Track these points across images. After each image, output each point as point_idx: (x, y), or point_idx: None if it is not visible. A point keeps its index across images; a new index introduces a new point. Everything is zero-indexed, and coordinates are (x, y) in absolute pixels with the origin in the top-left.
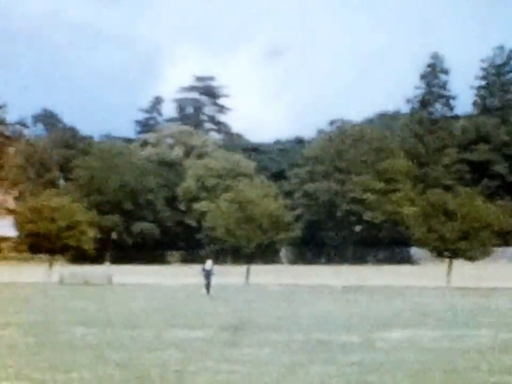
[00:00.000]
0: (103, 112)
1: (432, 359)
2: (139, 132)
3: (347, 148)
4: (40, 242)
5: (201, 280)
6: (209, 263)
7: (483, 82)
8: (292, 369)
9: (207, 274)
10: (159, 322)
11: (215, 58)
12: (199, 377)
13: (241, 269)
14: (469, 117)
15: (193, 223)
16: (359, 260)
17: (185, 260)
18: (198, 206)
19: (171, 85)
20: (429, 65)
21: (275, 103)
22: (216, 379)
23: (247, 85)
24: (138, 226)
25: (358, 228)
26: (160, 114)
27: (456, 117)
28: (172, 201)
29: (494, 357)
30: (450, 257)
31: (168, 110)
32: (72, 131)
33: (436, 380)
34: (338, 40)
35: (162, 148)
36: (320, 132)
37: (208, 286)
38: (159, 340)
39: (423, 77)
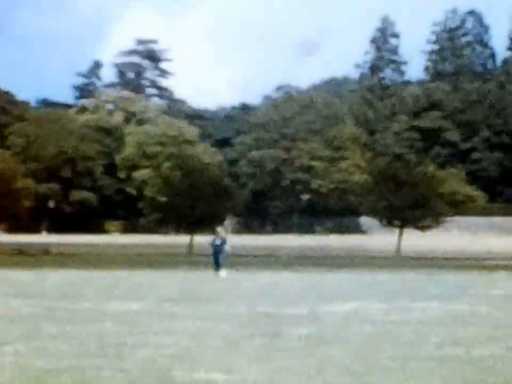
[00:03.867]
0: (41, 77)
1: (380, 331)
2: (77, 98)
3: (294, 114)
4: None
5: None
6: (222, 233)
7: (435, 47)
8: (235, 343)
9: (219, 248)
10: (97, 294)
11: (159, 21)
12: (139, 350)
13: (184, 239)
14: (420, 82)
15: (133, 191)
16: (306, 229)
17: (125, 230)
18: (139, 174)
19: (114, 48)
20: (378, 29)
21: (221, 68)
22: (157, 352)
23: (191, 49)
24: (76, 195)
25: (305, 197)
26: (99, 79)
27: (408, 83)
28: (111, 169)
29: (444, 329)
30: (400, 227)
31: (109, 74)
32: (8, 96)
33: (385, 353)
34: (286, 5)
35: (101, 114)
36: (266, 98)
37: (218, 264)
38: (97, 311)
39: (373, 41)
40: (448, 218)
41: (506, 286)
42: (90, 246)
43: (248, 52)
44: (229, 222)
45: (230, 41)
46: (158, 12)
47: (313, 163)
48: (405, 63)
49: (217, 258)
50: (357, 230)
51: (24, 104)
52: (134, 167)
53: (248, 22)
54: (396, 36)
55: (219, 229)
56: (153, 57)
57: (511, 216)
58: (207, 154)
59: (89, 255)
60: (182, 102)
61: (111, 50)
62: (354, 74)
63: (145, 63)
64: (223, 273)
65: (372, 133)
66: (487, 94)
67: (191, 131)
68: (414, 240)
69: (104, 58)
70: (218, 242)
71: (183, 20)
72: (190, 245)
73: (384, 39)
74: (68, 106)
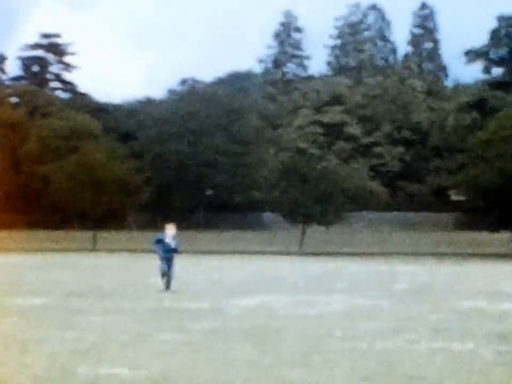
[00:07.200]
0: None
1: (284, 325)
2: None
3: (198, 108)
4: None
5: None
6: (171, 231)
7: (337, 42)
8: (139, 337)
9: (170, 255)
10: (1, 289)
11: (67, 15)
12: (44, 345)
13: (88, 234)
14: (323, 77)
15: (38, 186)
16: (211, 225)
17: (29, 226)
18: (43, 169)
19: (22, 42)
20: (281, 24)
21: (126, 62)
22: (62, 347)
23: (98, 42)
24: None
25: (209, 192)
26: (4, 72)
27: (311, 78)
28: (15, 164)
29: (347, 323)
30: (303, 222)
31: (14, 68)
32: None
33: (289, 346)
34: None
35: (5, 108)
36: (170, 91)
37: (168, 275)
38: (1, 307)
39: (276, 36)
40: (351, 214)
41: (408, 280)
42: None
43: (154, 45)
44: (131, 218)
45: (137, 35)
46: (66, 5)
47: (218, 158)
48: (308, 57)
49: (169, 266)
50: (261, 225)
51: None
52: (38, 162)
53: (154, 15)
54: (299, 30)
55: (168, 227)
56: (57, 51)
57: (412, 211)
58: (111, 148)
59: None
60: (85, 95)
61: (19, 44)
62: (258, 68)
63: (50, 56)
64: (164, 284)
65: (275, 127)
66: (388, 88)
67: (95, 125)
68: (317, 235)
69: (11, 53)
70: (172, 244)
71: (91, 14)
72: (94, 241)
73: (287, 33)
74: None
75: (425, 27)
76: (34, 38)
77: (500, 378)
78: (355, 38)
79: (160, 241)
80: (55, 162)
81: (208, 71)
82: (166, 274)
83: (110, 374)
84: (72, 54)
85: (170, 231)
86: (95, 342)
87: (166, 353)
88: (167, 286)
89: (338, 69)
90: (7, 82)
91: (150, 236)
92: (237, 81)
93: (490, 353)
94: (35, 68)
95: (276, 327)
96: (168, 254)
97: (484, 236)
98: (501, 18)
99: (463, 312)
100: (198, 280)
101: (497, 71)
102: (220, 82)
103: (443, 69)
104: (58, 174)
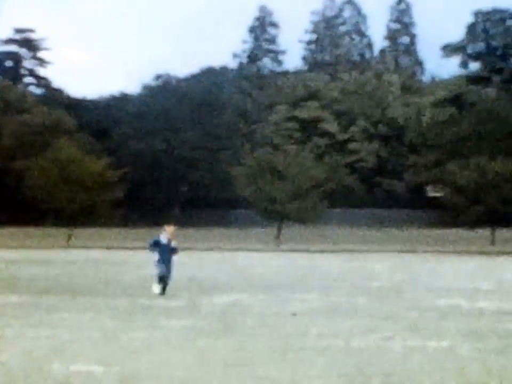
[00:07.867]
0: None
1: (260, 323)
2: None
3: (173, 104)
4: None
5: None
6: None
7: (313, 36)
8: (113, 335)
9: (166, 254)
10: None
11: (42, 10)
12: (17, 343)
13: (62, 231)
14: (299, 72)
15: (12, 183)
16: (186, 221)
17: (3, 223)
18: (17, 165)
19: None
20: (257, 19)
21: (100, 57)
22: (36, 344)
23: (71, 37)
24: None
25: (185, 188)
26: None
27: (286, 73)
28: None
29: (323, 321)
30: (280, 219)
31: None
32: None
33: (264, 344)
34: None
35: None
36: (145, 87)
37: (164, 278)
38: None
39: (250, 30)
40: (327, 210)
41: (384, 278)
42: None
43: (129, 41)
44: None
45: (112, 30)
46: (41, 0)
47: (193, 154)
48: (283, 52)
49: (167, 268)
50: (237, 222)
51: None
52: (12, 158)
53: (129, 10)
54: (274, 25)
55: (168, 227)
56: (31, 46)
57: (389, 208)
58: (85, 144)
59: None
60: (60, 91)
61: None
62: (233, 63)
63: (23, 52)
64: (156, 287)
65: (251, 123)
66: (364, 84)
67: (69, 121)
68: (293, 232)
69: None
70: (171, 244)
71: (66, 9)
72: (69, 237)
73: (262, 28)
74: None
75: (402, 22)
76: (8, 33)
77: (476, 376)
78: (331, 33)
79: (157, 244)
80: (29, 159)
81: (183, 66)
82: (165, 277)
83: (83, 371)
84: (46, 49)
85: (167, 232)
86: (69, 339)
87: (140, 351)
88: (163, 290)
89: (314, 64)
90: None
91: (126, 232)
92: (211, 76)
93: (466, 351)
94: (8, 63)
95: (251, 324)
96: (167, 255)
97: (462, 233)
98: (477, 13)
99: (440, 309)
100: (173, 277)
101: (474, 66)
102: (194, 77)
103: (420, 63)
104: (32, 170)
